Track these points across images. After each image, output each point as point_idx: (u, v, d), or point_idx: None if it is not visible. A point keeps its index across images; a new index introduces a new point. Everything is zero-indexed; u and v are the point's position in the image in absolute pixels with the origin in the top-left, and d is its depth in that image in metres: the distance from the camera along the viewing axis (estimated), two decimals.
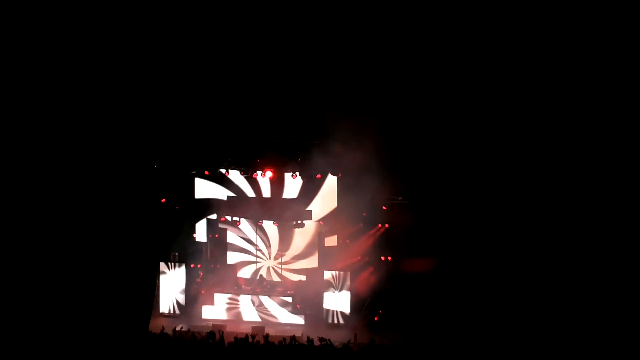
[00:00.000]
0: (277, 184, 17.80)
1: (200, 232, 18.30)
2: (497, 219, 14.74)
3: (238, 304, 17.44)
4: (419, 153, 15.50)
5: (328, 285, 17.15)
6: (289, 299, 17.32)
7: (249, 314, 17.36)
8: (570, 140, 13.94)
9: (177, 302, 17.66)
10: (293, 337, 13.33)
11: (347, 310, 16.96)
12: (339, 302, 17.03)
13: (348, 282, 17.02)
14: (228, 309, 17.41)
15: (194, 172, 17.86)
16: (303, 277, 18.00)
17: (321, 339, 13.02)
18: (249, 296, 17.50)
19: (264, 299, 17.40)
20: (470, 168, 15.00)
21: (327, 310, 17.10)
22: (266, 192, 17.96)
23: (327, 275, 17.22)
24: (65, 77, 15.01)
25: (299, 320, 17.10)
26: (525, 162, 14.43)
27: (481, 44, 14.04)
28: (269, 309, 17.32)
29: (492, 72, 14.24)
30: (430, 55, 14.43)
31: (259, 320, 17.22)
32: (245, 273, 18.40)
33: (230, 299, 17.49)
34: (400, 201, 16.74)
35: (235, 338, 13.29)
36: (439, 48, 14.29)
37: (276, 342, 13.04)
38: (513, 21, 13.68)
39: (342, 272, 17.12)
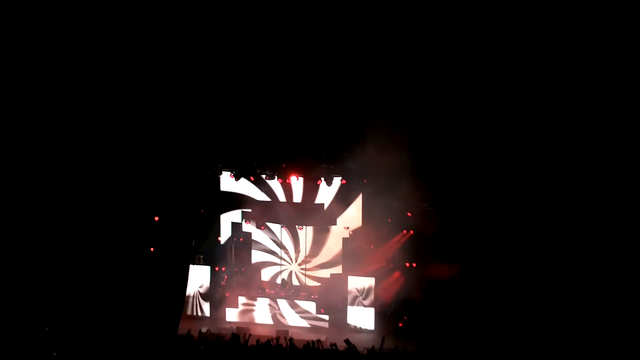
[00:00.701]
0: (302, 188, 17.82)
1: (225, 235, 18.38)
2: (524, 227, 14.61)
3: (262, 308, 17.50)
4: (445, 159, 15.41)
5: (352, 291, 17.13)
6: (313, 304, 17.33)
7: (273, 317, 17.41)
8: (603, 152, 13.77)
9: (202, 305, 17.76)
10: (318, 341, 13.31)
11: (371, 315, 16.91)
12: (363, 307, 17.00)
13: (372, 288, 16.98)
14: (252, 312, 17.48)
15: (219, 174, 17.92)
16: (327, 282, 17.97)
17: (346, 342, 12.99)
18: (273, 300, 17.55)
19: (288, 303, 17.44)
20: (498, 175, 14.89)
21: (351, 316, 17.07)
22: (291, 197, 17.98)
23: (352, 280, 17.20)
24: (93, 77, 15.20)
25: (323, 324, 17.10)
26: (554, 171, 14.28)
27: (513, 56, 13.93)
28: (293, 313, 17.35)
29: (521, 83, 14.13)
30: (458, 62, 14.36)
31: (283, 324, 17.25)
32: (269, 277, 18.44)
33: (254, 302, 17.56)
34: (426, 207, 16.62)
35: (258, 341, 13.31)
36: (468, 56, 14.21)
37: (300, 347, 13.04)
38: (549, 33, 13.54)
39: (366, 278, 17.09)
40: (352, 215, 17.67)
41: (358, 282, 17.10)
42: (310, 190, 17.75)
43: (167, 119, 15.93)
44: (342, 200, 17.69)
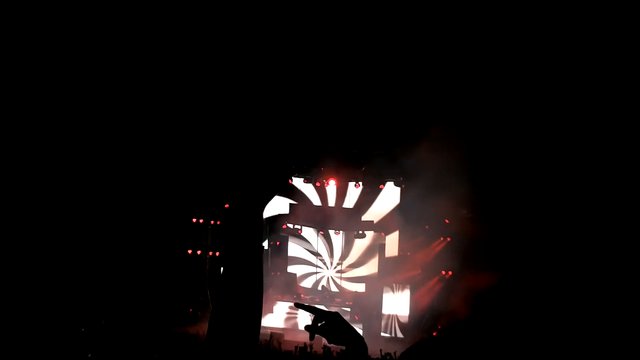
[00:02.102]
0: (340, 193, 17.78)
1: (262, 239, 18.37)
2: (564, 237, 14.33)
3: (297, 313, 17.47)
4: (485, 167, 15.21)
5: (387, 298, 17.00)
6: (348, 310, 17.25)
7: (308, 323, 17.32)
8: None
9: None
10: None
11: (405, 323, 16.76)
12: (397, 315, 16.85)
13: (407, 295, 16.83)
14: (287, 318, 17.46)
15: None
16: (362, 289, 17.87)
17: (386, 354, 12.90)
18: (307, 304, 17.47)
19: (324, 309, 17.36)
20: (537, 183, 14.64)
21: (386, 323, 16.95)
22: (328, 201, 17.97)
23: (387, 287, 17.07)
24: (128, 85, 15.41)
25: (358, 331, 16.97)
26: (598, 180, 13.98)
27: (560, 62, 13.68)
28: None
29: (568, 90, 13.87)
30: (498, 64, 14.14)
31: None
32: (305, 282, 18.42)
33: (289, 307, 17.54)
34: (464, 215, 16.42)
35: (296, 347, 13.28)
36: (515, 57, 14.00)
37: (334, 354, 12.98)
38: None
39: (401, 285, 16.95)
40: (390, 222, 17.55)
41: (393, 289, 16.96)
42: (348, 194, 17.69)
43: (207, 120, 16.10)
44: (380, 205, 17.58)
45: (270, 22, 14.32)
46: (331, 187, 17.67)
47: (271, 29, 14.44)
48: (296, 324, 17.34)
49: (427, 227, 16.89)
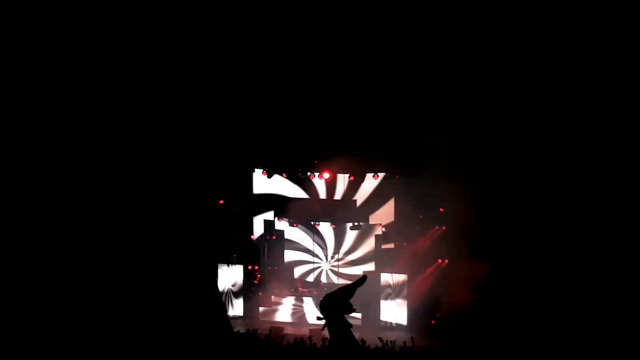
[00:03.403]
0: (334, 185, 17.82)
1: (258, 233, 18.46)
2: (559, 226, 14.42)
3: (295, 306, 17.55)
4: (479, 155, 15.29)
5: (385, 288, 17.09)
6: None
7: (307, 316, 17.44)
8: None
9: (235, 304, 17.87)
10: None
11: (403, 313, 16.86)
12: (395, 304, 16.95)
13: (405, 285, 16.92)
14: (286, 311, 17.53)
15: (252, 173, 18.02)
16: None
17: (380, 339, 12.96)
18: (306, 298, 17.58)
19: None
20: (532, 173, 14.72)
21: (384, 313, 17.04)
22: (323, 194, 18.01)
23: (384, 277, 17.16)
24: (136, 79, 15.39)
25: (356, 322, 17.09)
26: (593, 172, 14.08)
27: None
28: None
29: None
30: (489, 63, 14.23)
31: (316, 322, 17.26)
32: (302, 275, 18.48)
33: (287, 301, 17.61)
34: (458, 203, 16.49)
35: (296, 340, 13.32)
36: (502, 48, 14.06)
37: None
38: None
39: (399, 275, 17.04)
40: (385, 212, 17.63)
41: (391, 279, 17.06)
42: (342, 186, 17.74)
43: (199, 118, 16.07)
44: (375, 196, 17.65)
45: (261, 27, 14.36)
46: (325, 180, 17.70)
47: (263, 34, 14.47)
48: (295, 317, 17.42)
49: (421, 216, 16.97)
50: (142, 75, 15.23)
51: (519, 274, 14.77)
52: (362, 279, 3.35)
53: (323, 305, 3.30)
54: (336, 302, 3.36)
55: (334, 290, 3.45)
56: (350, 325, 3.33)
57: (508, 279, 14.90)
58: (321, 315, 3.39)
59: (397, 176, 17.12)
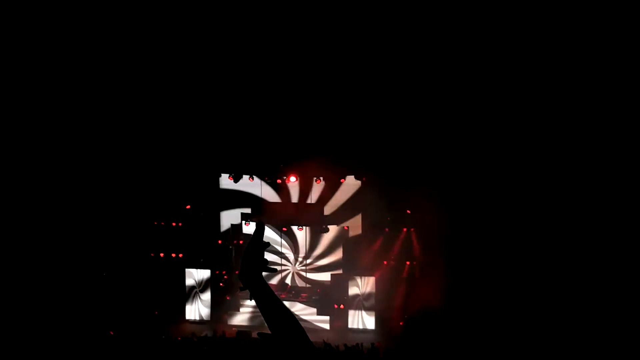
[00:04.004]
0: (301, 189, 17.79)
1: (225, 237, 18.33)
2: (526, 226, 14.60)
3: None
4: (443, 154, 15.41)
5: (352, 290, 17.10)
6: (314, 305, 17.31)
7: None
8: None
9: (202, 309, 17.73)
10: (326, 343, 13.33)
11: (371, 315, 16.89)
12: (363, 306, 16.98)
13: (373, 287, 16.95)
14: (253, 316, 17.44)
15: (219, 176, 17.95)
16: (328, 282, 17.93)
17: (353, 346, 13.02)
18: None
19: (289, 305, 17.40)
20: (499, 173, 14.89)
21: (352, 315, 17.05)
22: (290, 197, 17.96)
23: (352, 279, 17.18)
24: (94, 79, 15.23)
25: (324, 325, 17.07)
26: (556, 172, 14.30)
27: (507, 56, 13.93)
28: (294, 314, 17.28)
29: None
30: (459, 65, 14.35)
31: None
32: (269, 278, 18.38)
33: (255, 305, 17.45)
34: (425, 204, 16.59)
35: (259, 342, 13.29)
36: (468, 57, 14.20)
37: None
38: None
39: (367, 277, 17.07)
40: (352, 214, 17.64)
41: (359, 282, 17.08)
42: (309, 190, 17.72)
43: (167, 121, 15.99)
44: (341, 199, 17.65)
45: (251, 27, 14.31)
46: (292, 184, 17.67)
47: (245, 33, 14.42)
48: (262, 322, 17.29)
49: (389, 218, 17.04)
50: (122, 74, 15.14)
51: (487, 275, 14.90)
52: (258, 227, 3.21)
53: (241, 274, 3.20)
54: (249, 263, 3.26)
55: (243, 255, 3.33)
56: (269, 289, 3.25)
57: (476, 280, 15.02)
58: (242, 286, 3.31)
59: (364, 179, 17.15)
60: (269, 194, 18.02)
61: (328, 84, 15.11)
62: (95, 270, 16.70)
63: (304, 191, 17.80)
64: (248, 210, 18.05)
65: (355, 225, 17.62)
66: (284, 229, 18.11)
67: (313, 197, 17.79)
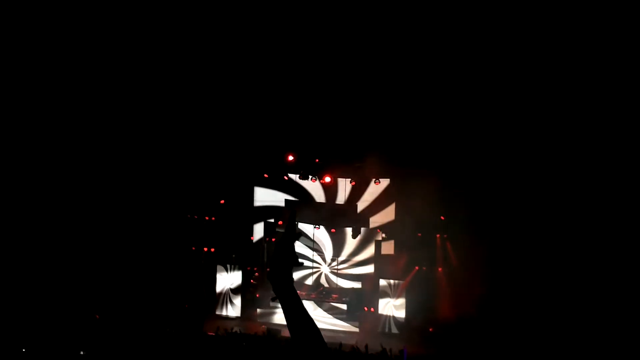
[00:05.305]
0: (335, 189, 17.80)
1: (258, 235, 18.42)
2: (561, 234, 14.41)
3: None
4: (478, 160, 15.28)
5: (383, 294, 17.05)
6: (344, 306, 17.29)
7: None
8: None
9: (233, 305, 17.84)
10: (355, 346, 13.32)
11: (401, 319, 16.81)
12: (393, 311, 16.90)
13: (404, 292, 16.88)
14: (283, 314, 17.45)
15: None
16: (359, 285, 17.90)
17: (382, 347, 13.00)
18: (304, 301, 17.48)
19: (320, 305, 17.42)
20: (534, 176, 14.73)
21: (382, 319, 17.00)
22: (324, 198, 17.97)
23: (383, 283, 17.12)
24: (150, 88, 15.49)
25: (354, 328, 17.05)
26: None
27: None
28: (323, 315, 17.32)
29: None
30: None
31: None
32: (301, 278, 18.43)
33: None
34: (459, 211, 16.45)
35: (288, 342, 13.31)
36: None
37: (331, 349, 13.01)
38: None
39: (398, 281, 17.00)
40: (385, 217, 17.58)
41: (389, 285, 17.01)
42: (343, 190, 17.71)
43: (204, 117, 16.17)
44: (376, 202, 17.61)
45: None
46: (326, 184, 17.68)
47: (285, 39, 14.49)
48: None
49: (423, 224, 16.92)
50: (132, 75, 15.32)
51: (518, 284, 14.73)
52: (291, 216, 3.18)
53: (271, 272, 3.16)
54: (281, 256, 3.22)
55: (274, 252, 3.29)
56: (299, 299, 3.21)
57: (507, 287, 14.86)
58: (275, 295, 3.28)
59: (399, 182, 17.07)
60: (302, 193, 18.06)
61: (370, 88, 15.10)
62: (127, 264, 16.93)
63: (337, 191, 17.80)
64: (280, 209, 18.14)
65: (388, 229, 17.55)
66: (317, 228, 18.12)
67: (347, 198, 17.78)
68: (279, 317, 17.47)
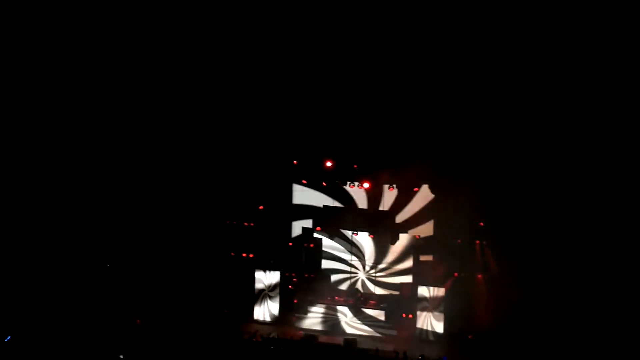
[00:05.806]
0: (374, 195, 17.70)
1: (296, 240, 18.43)
2: (604, 240, 14.15)
3: (330, 315, 17.45)
4: (520, 166, 15.08)
5: (422, 301, 16.89)
6: (382, 312, 17.17)
7: (342, 325, 17.32)
8: None
9: (271, 310, 17.88)
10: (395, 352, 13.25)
11: (439, 326, 16.63)
12: (432, 318, 16.73)
13: (442, 298, 16.69)
14: (321, 320, 17.45)
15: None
16: (397, 291, 17.74)
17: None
18: (342, 307, 17.46)
19: (357, 311, 17.33)
20: (573, 185, 14.49)
21: (420, 326, 16.83)
22: (363, 204, 17.90)
23: (421, 290, 16.96)
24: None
25: (391, 333, 16.92)
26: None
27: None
28: (361, 321, 17.23)
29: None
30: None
31: (351, 332, 17.14)
32: (338, 284, 18.36)
33: (323, 309, 17.53)
34: (499, 217, 16.22)
35: (327, 347, 13.28)
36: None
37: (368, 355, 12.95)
38: None
39: (436, 288, 16.82)
40: (424, 223, 17.41)
41: (428, 292, 16.85)
42: (382, 197, 17.61)
43: (246, 122, 16.32)
44: (414, 208, 17.47)
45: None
46: (365, 190, 17.60)
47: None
48: (330, 326, 17.33)
49: (461, 230, 16.73)
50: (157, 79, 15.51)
51: (558, 290, 14.49)
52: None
53: None
54: None
55: None
56: None
57: (547, 294, 14.62)
58: None
59: (438, 189, 16.92)
60: (341, 199, 18.02)
61: (410, 97, 15.08)
62: (168, 270, 17.15)
63: (376, 198, 17.71)
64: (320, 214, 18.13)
65: (427, 235, 17.39)
66: (355, 234, 18.03)
67: (385, 205, 17.67)
68: (316, 323, 17.45)
